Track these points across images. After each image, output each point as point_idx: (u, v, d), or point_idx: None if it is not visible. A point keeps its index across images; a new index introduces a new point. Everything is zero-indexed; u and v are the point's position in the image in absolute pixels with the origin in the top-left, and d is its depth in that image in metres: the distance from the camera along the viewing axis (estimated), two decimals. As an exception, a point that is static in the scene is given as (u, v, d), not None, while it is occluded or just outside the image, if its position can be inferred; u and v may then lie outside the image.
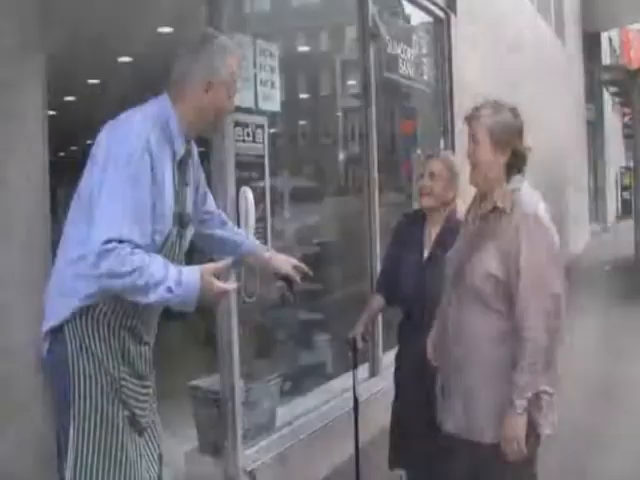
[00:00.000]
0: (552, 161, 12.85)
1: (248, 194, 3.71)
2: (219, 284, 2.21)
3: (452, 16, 7.06)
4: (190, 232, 2.51)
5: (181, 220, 2.41)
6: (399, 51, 6.04)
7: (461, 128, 6.87)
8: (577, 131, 16.70)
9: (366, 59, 5.32)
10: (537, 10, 11.90)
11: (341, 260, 6.01)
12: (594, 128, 20.95)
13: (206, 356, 5.15)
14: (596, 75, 18.55)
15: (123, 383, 2.30)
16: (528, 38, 10.84)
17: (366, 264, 5.40)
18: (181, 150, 2.37)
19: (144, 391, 2.40)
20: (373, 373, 5.35)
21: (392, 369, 5.46)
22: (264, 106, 4.00)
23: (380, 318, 5.35)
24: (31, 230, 2.49)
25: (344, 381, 5.13)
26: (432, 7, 6.73)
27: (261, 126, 3.93)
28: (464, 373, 2.65)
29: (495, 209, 2.61)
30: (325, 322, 5.51)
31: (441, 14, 6.91)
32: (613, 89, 13.18)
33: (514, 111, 2.67)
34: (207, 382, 3.97)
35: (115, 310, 2.29)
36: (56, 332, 2.26)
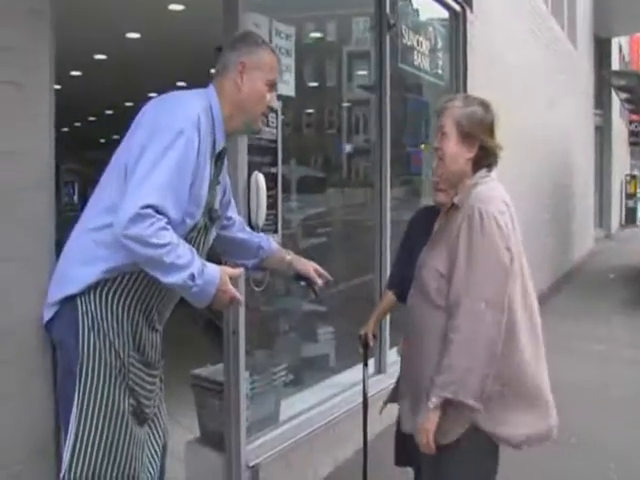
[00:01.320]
0: (560, 165, 12.75)
1: (260, 180, 3.59)
2: (233, 290, 2.16)
3: (468, 10, 6.96)
4: (215, 230, 2.43)
5: (210, 213, 2.35)
6: (415, 43, 5.92)
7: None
8: (586, 136, 16.57)
9: (383, 49, 5.18)
10: (551, 13, 11.77)
11: (348, 251, 5.90)
12: (602, 134, 20.81)
13: (206, 343, 5.05)
14: (606, 80, 18.51)
15: (132, 369, 2.21)
16: (541, 39, 10.73)
17: (375, 257, 5.28)
18: (221, 142, 2.31)
19: (151, 380, 2.30)
20: (379, 370, 5.24)
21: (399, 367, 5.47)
22: (279, 90, 3.87)
23: (387, 321, 5.27)
24: (35, 206, 2.36)
25: (349, 376, 5.06)
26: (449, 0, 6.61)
27: (275, 110, 3.81)
28: (412, 372, 2.60)
29: (453, 205, 2.54)
30: (330, 314, 5.39)
31: (457, 7, 6.79)
32: (624, 95, 13.04)
33: (485, 105, 2.60)
34: (209, 371, 3.84)
35: (133, 289, 2.20)
36: (68, 302, 2.16)
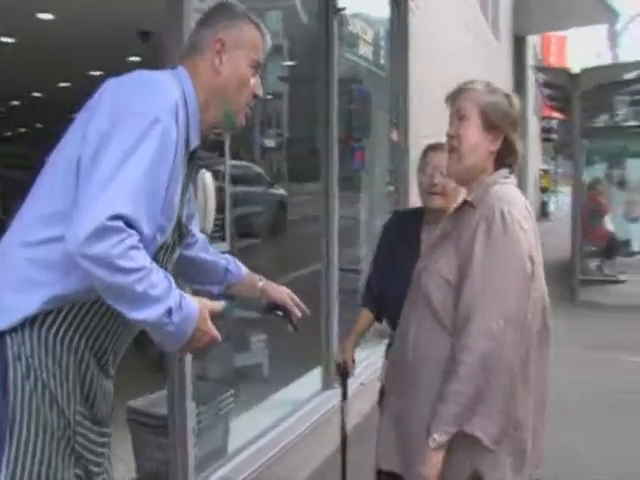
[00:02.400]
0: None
1: (207, 178, 3.09)
2: (213, 329, 1.70)
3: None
4: (179, 250, 1.93)
5: (180, 228, 1.87)
6: (359, 30, 5.51)
7: (421, 118, 6.48)
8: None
9: (330, 36, 4.73)
10: (479, 5, 11.63)
11: (285, 252, 5.47)
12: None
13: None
14: (523, 75, 18.73)
15: (79, 429, 1.69)
16: (473, 31, 10.56)
17: (321, 261, 4.85)
18: (196, 139, 1.82)
19: (102, 441, 1.77)
20: (328, 385, 4.78)
21: (354, 384, 5.06)
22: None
23: (336, 323, 4.85)
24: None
25: (295, 392, 4.64)
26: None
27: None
28: (401, 407, 2.18)
29: (465, 203, 2.14)
30: (263, 321, 4.93)
31: (398, -5, 6.42)
32: (548, 91, 13.06)
33: (509, 98, 2.20)
34: (148, 403, 3.33)
35: (83, 325, 1.70)
36: None
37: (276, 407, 4.40)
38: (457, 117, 2.17)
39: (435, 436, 1.96)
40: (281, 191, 6.03)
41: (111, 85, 1.74)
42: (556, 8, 16.26)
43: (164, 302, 1.56)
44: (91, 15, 6.50)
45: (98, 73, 9.65)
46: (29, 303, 1.63)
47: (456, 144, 2.15)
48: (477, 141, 2.13)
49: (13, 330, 1.62)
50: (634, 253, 11.22)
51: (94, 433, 1.73)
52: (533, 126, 23.98)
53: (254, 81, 1.89)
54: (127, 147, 1.58)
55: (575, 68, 11.27)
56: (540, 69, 14.97)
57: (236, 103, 1.88)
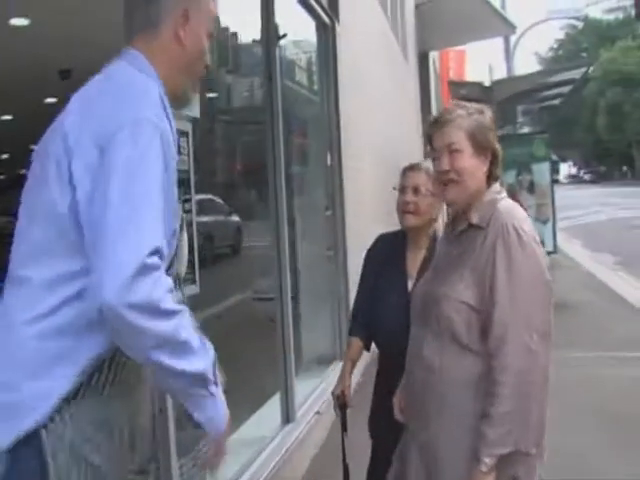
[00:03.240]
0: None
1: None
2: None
3: (336, 23, 6.61)
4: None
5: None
6: (295, 56, 5.47)
7: (347, 141, 6.48)
8: (417, 146, 16.96)
9: (272, 63, 4.66)
10: (390, 27, 11.81)
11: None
12: (424, 144, 21.57)
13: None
14: (427, 91, 19.36)
15: None
16: (387, 52, 10.72)
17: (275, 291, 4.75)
18: (174, 120, 1.65)
19: None
20: (287, 419, 4.68)
21: (310, 413, 4.97)
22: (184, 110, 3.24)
23: (292, 345, 4.75)
24: None
25: (254, 430, 4.50)
26: (318, 9, 6.18)
27: (185, 133, 3.18)
28: (430, 430, 2.15)
29: (470, 226, 2.16)
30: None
31: (327, 19, 6.42)
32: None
33: (481, 111, 2.25)
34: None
35: (117, 374, 1.53)
36: (20, 448, 1.42)
37: (239, 449, 4.25)
38: (447, 151, 2.18)
39: (486, 460, 1.98)
40: (237, 219, 5.96)
41: (77, 106, 1.55)
42: (457, 23, 16.75)
43: (202, 357, 1.46)
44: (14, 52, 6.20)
45: (8, 117, 9.22)
46: (57, 382, 1.44)
47: (454, 176, 2.17)
48: (474, 168, 2.18)
49: (47, 421, 1.43)
50: (548, 253, 11.66)
51: None
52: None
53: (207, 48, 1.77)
54: (132, 169, 1.42)
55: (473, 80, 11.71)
56: (455, 83, 15.43)
57: (194, 76, 1.76)
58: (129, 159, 1.42)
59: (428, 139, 2.26)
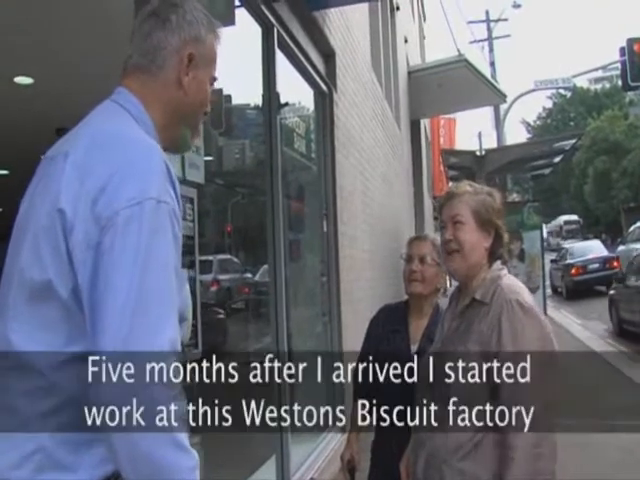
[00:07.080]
0: (394, 241, 12.95)
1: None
2: None
3: (333, 91, 6.79)
4: None
5: None
6: (294, 124, 5.60)
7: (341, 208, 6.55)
8: (409, 213, 17.16)
9: (273, 131, 4.79)
10: (385, 96, 12.08)
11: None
12: (416, 210, 21.77)
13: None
14: (418, 157, 19.67)
15: None
16: (381, 121, 10.93)
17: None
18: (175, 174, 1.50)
19: None
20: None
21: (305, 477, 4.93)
22: (190, 176, 3.31)
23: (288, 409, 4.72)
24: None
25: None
26: (317, 78, 6.36)
27: (190, 199, 3.25)
28: None
29: (474, 301, 2.28)
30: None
31: (324, 87, 6.59)
32: (453, 172, 13.70)
33: (492, 194, 2.44)
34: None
35: None
36: None
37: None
38: (451, 222, 2.34)
39: None
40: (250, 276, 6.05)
41: (69, 174, 1.38)
42: (448, 92, 17.10)
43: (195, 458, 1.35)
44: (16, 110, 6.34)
45: (4, 172, 9.24)
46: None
47: (455, 246, 2.32)
48: (475, 241, 2.32)
49: None
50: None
51: None
52: (428, 204, 24.86)
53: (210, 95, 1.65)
54: (140, 255, 1.29)
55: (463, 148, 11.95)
56: (448, 152, 15.72)
57: (195, 123, 1.63)
58: (136, 244, 1.30)
59: (439, 211, 2.43)
